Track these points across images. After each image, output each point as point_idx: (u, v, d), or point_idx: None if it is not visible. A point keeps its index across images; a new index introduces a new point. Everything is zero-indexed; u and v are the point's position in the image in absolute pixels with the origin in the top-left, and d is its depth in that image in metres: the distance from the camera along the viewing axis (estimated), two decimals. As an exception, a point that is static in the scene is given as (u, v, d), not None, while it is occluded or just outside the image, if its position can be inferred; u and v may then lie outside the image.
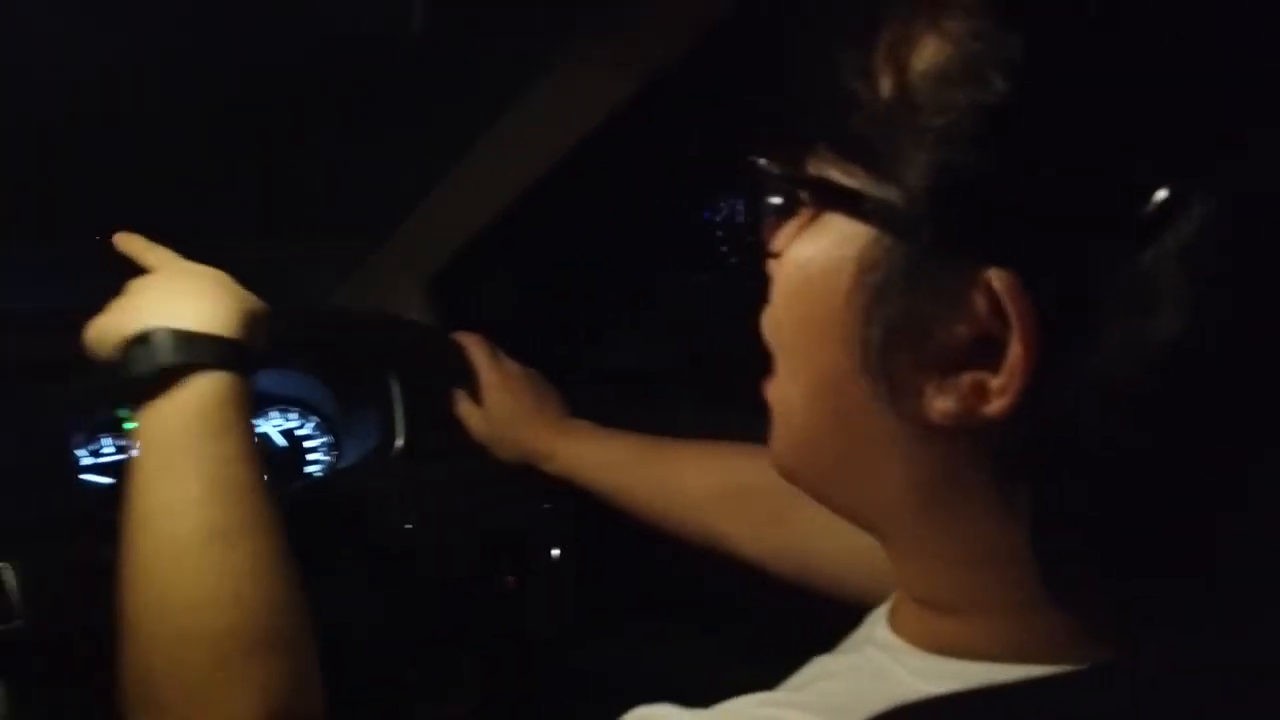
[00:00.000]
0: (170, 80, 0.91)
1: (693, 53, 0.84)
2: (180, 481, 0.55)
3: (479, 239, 1.04)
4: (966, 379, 0.32)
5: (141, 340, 0.58)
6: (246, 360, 0.61)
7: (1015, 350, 0.30)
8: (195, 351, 0.58)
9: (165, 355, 0.57)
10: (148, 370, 0.57)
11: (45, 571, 0.69)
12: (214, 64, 0.93)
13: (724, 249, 1.34)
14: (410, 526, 0.85)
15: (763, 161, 0.38)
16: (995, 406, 0.31)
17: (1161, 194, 0.28)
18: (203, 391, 0.57)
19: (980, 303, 0.30)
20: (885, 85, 0.33)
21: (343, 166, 1.10)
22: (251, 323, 0.62)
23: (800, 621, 0.61)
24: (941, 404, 0.32)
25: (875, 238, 0.33)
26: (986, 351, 0.31)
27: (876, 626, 0.41)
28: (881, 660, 0.38)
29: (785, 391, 0.40)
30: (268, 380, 1.01)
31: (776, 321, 0.40)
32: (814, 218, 0.36)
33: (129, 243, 0.70)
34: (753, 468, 0.73)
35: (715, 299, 1.26)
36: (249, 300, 0.64)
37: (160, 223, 1.07)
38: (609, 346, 1.26)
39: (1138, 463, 0.30)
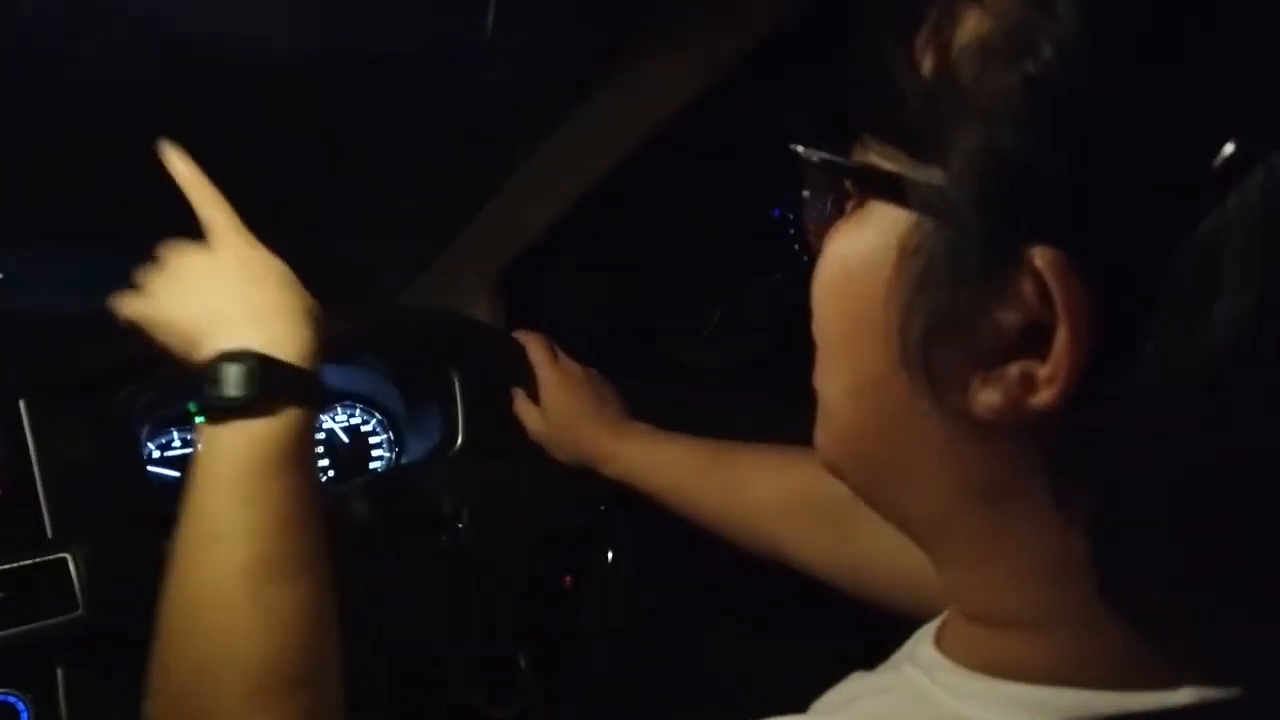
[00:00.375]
0: (237, 81, 0.92)
1: (760, 48, 0.82)
2: (245, 509, 0.54)
3: (545, 238, 1.03)
4: (1013, 370, 0.29)
5: (230, 359, 0.56)
6: (319, 396, 0.60)
7: (1062, 335, 0.28)
8: (282, 385, 0.57)
9: (255, 385, 0.55)
10: (239, 396, 0.55)
11: (109, 562, 0.70)
12: (285, 68, 0.94)
13: (795, 247, 1.31)
14: (469, 525, 0.84)
15: (803, 150, 0.36)
16: (1043, 398, 0.29)
17: (1227, 150, 0.25)
18: (284, 424, 0.56)
19: (1027, 287, 0.28)
20: (926, 65, 0.31)
21: (411, 167, 1.10)
22: (320, 348, 0.60)
23: (853, 626, 0.59)
24: (987, 397, 0.30)
25: (916, 224, 0.31)
26: (1035, 340, 0.29)
27: (920, 644, 0.39)
28: (918, 680, 0.36)
29: (825, 389, 0.39)
30: (334, 376, 1.02)
31: (819, 318, 0.38)
32: (857, 210, 0.35)
33: (182, 169, 0.64)
34: (818, 478, 0.71)
35: (785, 297, 1.24)
36: (315, 310, 0.61)
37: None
38: (674, 345, 1.24)
39: (1206, 458, 0.28)
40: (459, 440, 0.90)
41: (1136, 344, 0.27)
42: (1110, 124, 0.27)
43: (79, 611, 0.67)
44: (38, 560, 0.67)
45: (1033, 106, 0.28)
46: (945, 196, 0.30)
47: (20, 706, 0.66)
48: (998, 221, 0.29)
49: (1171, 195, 0.26)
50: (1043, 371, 0.29)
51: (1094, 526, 0.30)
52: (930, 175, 0.30)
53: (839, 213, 0.36)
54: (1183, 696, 0.30)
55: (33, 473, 0.71)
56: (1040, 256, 0.28)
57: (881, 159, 0.33)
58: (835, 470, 0.40)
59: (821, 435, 0.40)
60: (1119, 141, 0.27)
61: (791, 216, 1.28)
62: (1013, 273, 0.28)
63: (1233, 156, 0.25)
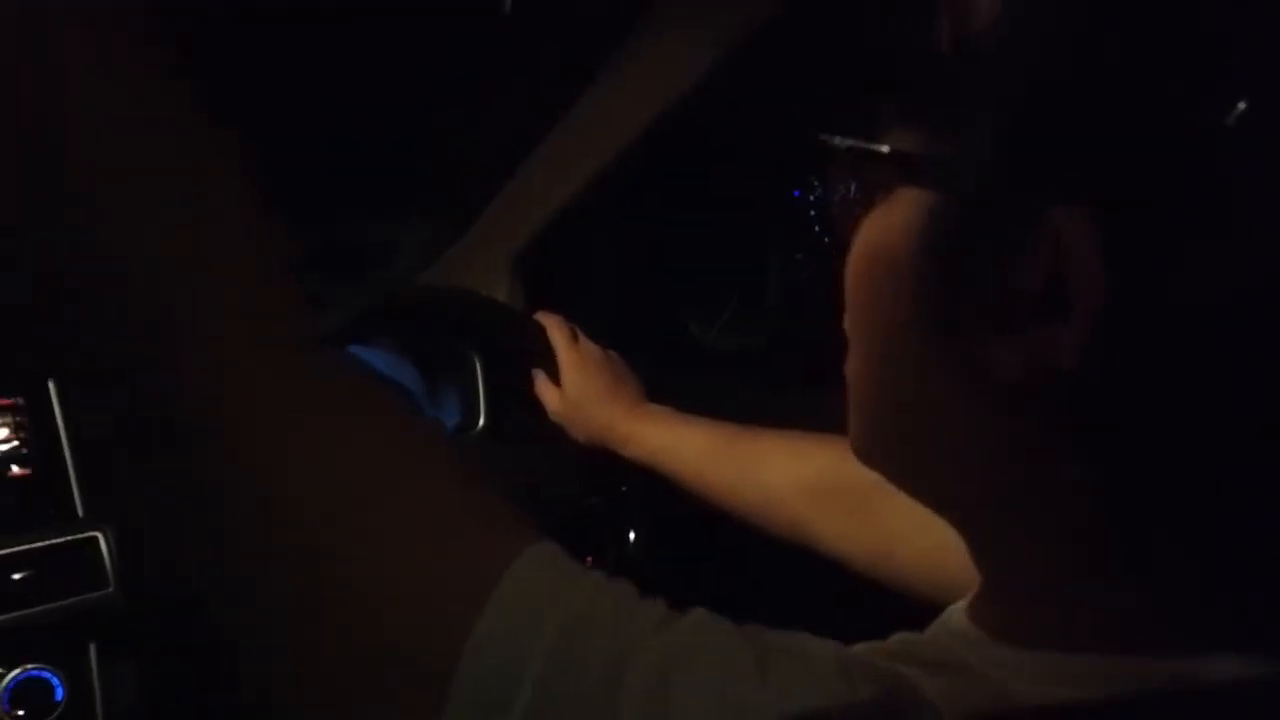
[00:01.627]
0: (252, 60, 0.92)
1: (780, 23, 0.81)
2: None
3: (563, 219, 1.03)
4: (1035, 332, 0.29)
5: None
6: None
7: (1084, 294, 0.28)
8: None
9: None
10: None
11: (139, 540, 0.71)
12: (304, 45, 0.94)
13: (816, 229, 1.30)
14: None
15: (829, 138, 0.37)
16: (1066, 359, 0.28)
17: (1241, 105, 0.25)
18: None
19: (1047, 247, 0.28)
20: (943, 42, 0.32)
21: (432, 147, 1.10)
22: None
23: (880, 606, 0.59)
24: (1009, 361, 0.30)
25: (939, 200, 0.32)
26: (1056, 302, 0.29)
27: (953, 617, 0.39)
28: (959, 653, 0.35)
29: (854, 376, 0.39)
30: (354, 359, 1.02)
31: (849, 306, 0.38)
32: (885, 197, 0.35)
33: None
34: (839, 461, 0.71)
35: (805, 280, 1.23)
36: None
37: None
38: (694, 328, 1.24)
39: (1234, 417, 0.28)
40: (480, 421, 0.91)
41: (1162, 299, 0.27)
42: (1121, 71, 0.27)
43: (110, 589, 0.69)
44: (69, 538, 0.69)
45: (1045, 65, 0.28)
46: (964, 167, 0.31)
47: (55, 681, 0.67)
48: (1014, 184, 0.29)
49: (1192, 142, 0.26)
50: (1066, 332, 0.28)
51: (1113, 489, 0.30)
52: (949, 150, 0.31)
53: (870, 201, 0.36)
54: (1230, 659, 0.30)
55: (63, 452, 0.73)
56: (1057, 215, 0.28)
57: (904, 143, 0.33)
58: (869, 459, 0.40)
59: (852, 425, 0.40)
60: (1131, 88, 0.27)
61: (813, 198, 1.27)
62: (1031, 233, 0.28)
63: (1248, 108, 0.25)
